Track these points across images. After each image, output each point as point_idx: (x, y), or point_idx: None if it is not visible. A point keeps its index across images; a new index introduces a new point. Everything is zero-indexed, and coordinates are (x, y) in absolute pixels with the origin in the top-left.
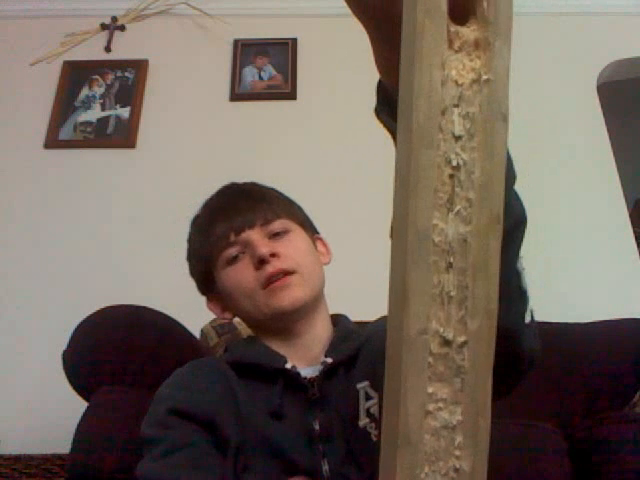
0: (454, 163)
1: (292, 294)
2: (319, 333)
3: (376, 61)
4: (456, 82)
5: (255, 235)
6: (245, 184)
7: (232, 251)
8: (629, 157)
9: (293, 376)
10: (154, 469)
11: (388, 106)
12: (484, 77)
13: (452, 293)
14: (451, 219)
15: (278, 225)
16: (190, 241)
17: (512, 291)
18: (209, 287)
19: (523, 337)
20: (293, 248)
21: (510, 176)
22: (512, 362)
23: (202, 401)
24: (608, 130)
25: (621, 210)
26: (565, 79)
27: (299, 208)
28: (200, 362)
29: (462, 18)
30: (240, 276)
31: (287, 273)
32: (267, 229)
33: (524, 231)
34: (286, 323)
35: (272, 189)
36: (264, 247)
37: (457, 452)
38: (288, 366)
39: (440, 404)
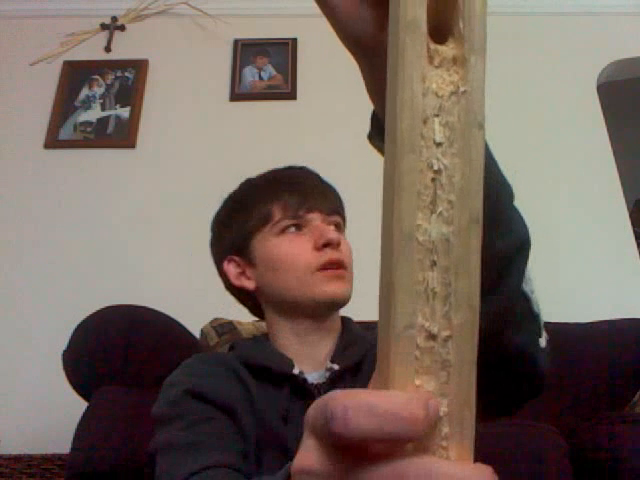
0: (435, 167)
1: (341, 287)
2: (330, 333)
3: (368, 90)
4: (436, 94)
5: (320, 220)
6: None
7: (291, 222)
8: (629, 157)
9: (300, 382)
10: (180, 437)
11: (381, 134)
12: (462, 89)
13: (436, 289)
14: (434, 220)
15: (337, 220)
16: (231, 199)
17: (521, 314)
18: (239, 250)
19: (538, 361)
20: (346, 245)
21: (505, 192)
22: (527, 384)
23: (220, 389)
24: (608, 130)
25: (621, 210)
26: (565, 79)
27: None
28: (207, 355)
29: (442, 37)
30: (296, 250)
31: (343, 266)
32: (329, 219)
33: (528, 253)
34: (318, 311)
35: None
36: (334, 233)
37: (444, 443)
38: (295, 371)
39: None
